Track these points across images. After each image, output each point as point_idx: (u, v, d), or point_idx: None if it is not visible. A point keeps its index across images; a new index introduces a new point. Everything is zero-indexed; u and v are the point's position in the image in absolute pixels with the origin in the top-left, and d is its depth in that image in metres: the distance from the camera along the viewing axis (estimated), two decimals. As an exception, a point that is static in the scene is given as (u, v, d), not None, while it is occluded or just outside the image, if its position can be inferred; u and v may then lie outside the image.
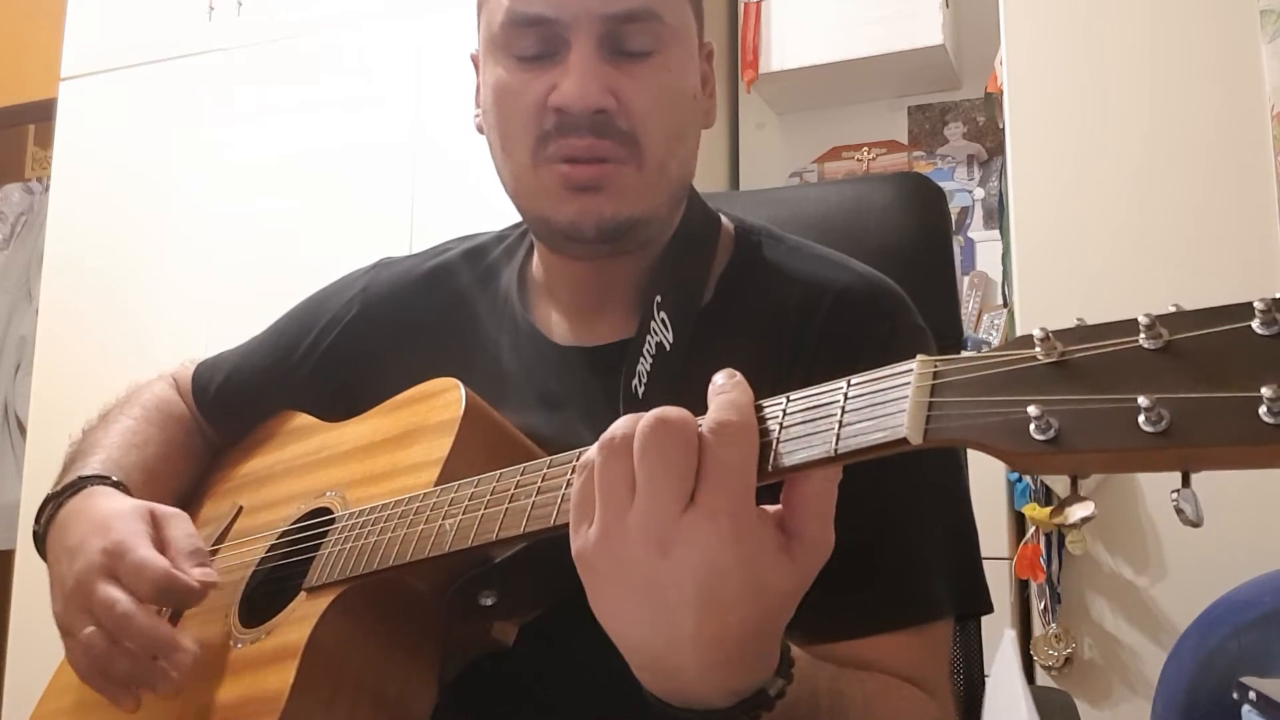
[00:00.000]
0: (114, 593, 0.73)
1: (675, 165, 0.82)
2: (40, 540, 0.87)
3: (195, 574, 0.74)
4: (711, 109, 0.89)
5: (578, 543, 0.53)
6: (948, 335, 1.08)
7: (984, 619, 0.99)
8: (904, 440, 0.46)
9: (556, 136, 0.78)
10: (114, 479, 0.88)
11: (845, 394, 0.50)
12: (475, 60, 0.88)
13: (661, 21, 0.80)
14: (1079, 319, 0.44)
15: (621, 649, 0.55)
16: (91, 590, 0.74)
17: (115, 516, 0.79)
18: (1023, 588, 1.87)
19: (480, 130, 0.88)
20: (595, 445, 0.53)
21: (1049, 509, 1.77)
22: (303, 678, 0.67)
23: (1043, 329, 0.43)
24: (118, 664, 0.72)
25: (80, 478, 0.87)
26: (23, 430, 2.98)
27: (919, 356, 0.48)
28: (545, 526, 0.59)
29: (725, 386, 0.53)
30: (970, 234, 2.45)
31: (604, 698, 0.76)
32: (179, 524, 0.79)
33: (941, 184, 1.37)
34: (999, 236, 2.33)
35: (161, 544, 0.76)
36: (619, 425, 0.53)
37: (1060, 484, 1.72)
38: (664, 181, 0.82)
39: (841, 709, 0.64)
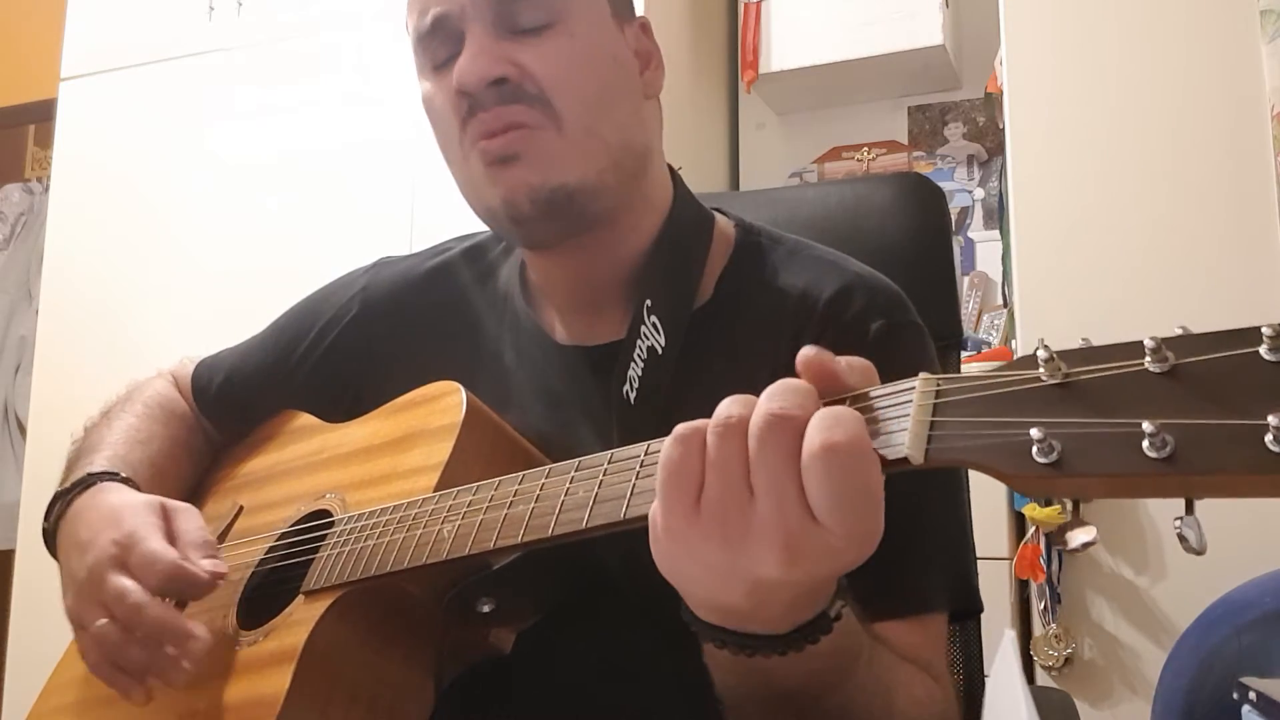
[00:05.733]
0: (126, 583, 0.73)
1: (608, 130, 0.80)
2: (50, 537, 0.87)
3: (204, 565, 0.74)
4: (654, 80, 0.87)
5: (672, 517, 0.50)
6: (948, 335, 1.08)
7: (984, 619, 1.00)
8: (905, 459, 0.46)
9: (469, 118, 0.79)
10: (122, 475, 0.88)
11: None
12: None
13: None
14: (1084, 339, 0.43)
15: (685, 594, 0.54)
16: (103, 581, 0.74)
17: (126, 510, 0.79)
18: (1023, 588, 1.87)
19: None
20: (711, 421, 0.49)
21: (1049, 510, 1.77)
22: (299, 682, 0.67)
23: (1047, 349, 0.43)
24: (130, 654, 0.72)
25: (89, 474, 0.87)
26: (23, 430, 2.97)
27: (921, 375, 0.47)
28: (543, 536, 0.59)
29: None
30: (970, 234, 2.44)
31: (600, 704, 0.76)
32: (189, 517, 0.80)
33: (941, 184, 1.37)
34: (999, 236, 2.33)
35: (172, 537, 0.77)
36: (733, 405, 0.49)
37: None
38: (595, 145, 0.80)
39: (877, 655, 0.64)
